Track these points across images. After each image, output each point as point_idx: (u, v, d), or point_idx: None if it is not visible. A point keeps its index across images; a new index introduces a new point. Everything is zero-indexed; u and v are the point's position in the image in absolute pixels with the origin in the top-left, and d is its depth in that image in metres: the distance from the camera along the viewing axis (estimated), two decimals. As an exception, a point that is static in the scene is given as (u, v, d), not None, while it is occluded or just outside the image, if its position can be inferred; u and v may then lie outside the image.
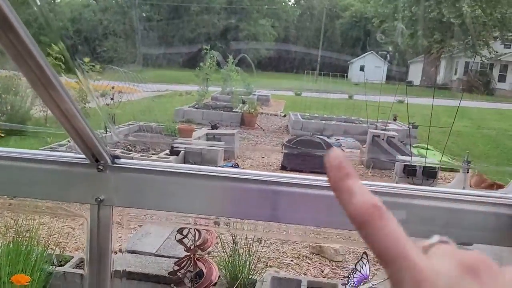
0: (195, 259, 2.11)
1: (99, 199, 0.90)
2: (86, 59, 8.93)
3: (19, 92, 7.23)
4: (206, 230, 2.16)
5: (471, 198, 0.80)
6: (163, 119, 8.90)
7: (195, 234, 2.12)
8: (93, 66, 9.01)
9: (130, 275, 2.75)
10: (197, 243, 2.10)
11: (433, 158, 6.58)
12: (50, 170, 0.92)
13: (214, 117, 10.38)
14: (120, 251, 3.02)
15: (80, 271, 2.75)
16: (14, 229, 2.78)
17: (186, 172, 0.91)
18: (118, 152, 5.50)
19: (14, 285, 2.11)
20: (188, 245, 2.09)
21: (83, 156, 0.90)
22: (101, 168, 0.89)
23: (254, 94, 14.84)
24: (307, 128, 9.87)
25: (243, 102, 11.82)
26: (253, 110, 10.54)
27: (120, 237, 4.00)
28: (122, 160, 0.92)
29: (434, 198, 0.82)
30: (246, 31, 33.21)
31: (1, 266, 2.23)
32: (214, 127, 8.57)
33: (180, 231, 2.15)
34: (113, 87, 7.43)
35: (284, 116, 12.43)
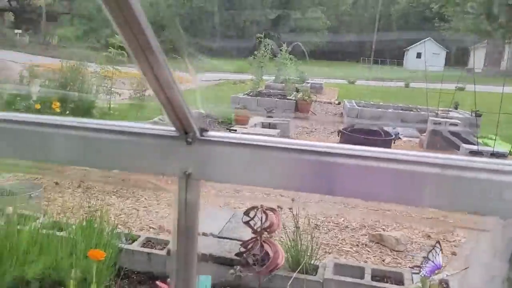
0: (262, 241, 2.11)
1: (187, 173, 0.89)
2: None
3: (85, 81, 7.63)
4: (273, 212, 2.15)
5: None
6: (220, 107, 9.02)
7: (261, 216, 2.12)
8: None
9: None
10: (264, 225, 2.09)
11: (501, 147, 6.18)
12: (138, 142, 0.93)
13: (268, 105, 10.38)
14: (205, 234, 3.08)
15: (146, 249, 2.84)
16: (85, 208, 2.92)
17: (271, 146, 0.89)
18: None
19: (89, 260, 2.22)
20: (255, 228, 2.09)
21: (171, 128, 0.90)
22: (190, 140, 0.89)
23: (308, 82, 14.69)
24: (363, 116, 9.63)
25: (297, 90, 11.74)
26: (307, 97, 10.44)
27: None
28: (210, 133, 0.91)
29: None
30: (299, 20, 32.84)
31: (77, 242, 2.35)
32: (269, 111, 8.59)
33: (247, 213, 2.15)
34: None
35: (338, 104, 12.22)
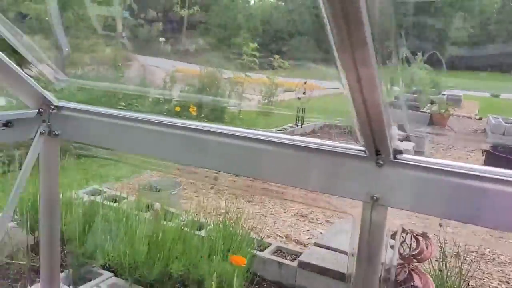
0: (410, 269, 1.91)
1: (374, 198, 0.79)
2: (276, 56, 9.46)
3: (220, 87, 8.09)
4: (424, 239, 1.94)
5: None
6: (344, 116, 8.80)
7: (411, 242, 1.92)
8: (282, 63, 9.49)
9: (323, 271, 2.70)
10: (414, 252, 1.89)
11: None
12: (321, 159, 0.86)
13: (399, 117, 9.80)
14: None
15: (278, 258, 2.82)
16: (218, 210, 3.01)
17: (472, 174, 0.74)
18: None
19: (226, 263, 2.26)
20: (402, 253, 1.90)
21: (358, 147, 0.81)
22: (381, 162, 0.79)
23: (443, 94, 13.59)
24: (511, 134, 8.55)
25: (432, 102, 10.91)
26: (444, 110, 9.63)
27: (308, 230, 4.05)
28: (405, 156, 0.80)
29: None
30: (436, 26, 30.79)
31: (215, 243, 2.40)
32: (400, 124, 8.11)
33: (393, 236, 1.97)
34: (305, 82, 7.62)
35: (480, 119, 11.05)
